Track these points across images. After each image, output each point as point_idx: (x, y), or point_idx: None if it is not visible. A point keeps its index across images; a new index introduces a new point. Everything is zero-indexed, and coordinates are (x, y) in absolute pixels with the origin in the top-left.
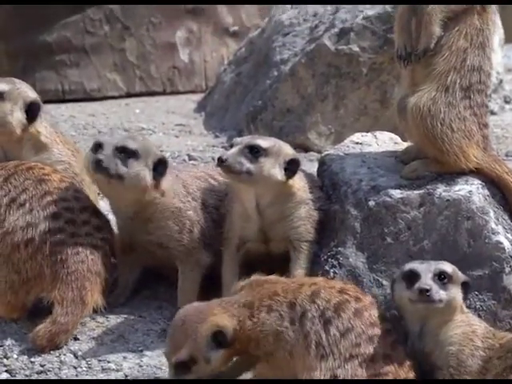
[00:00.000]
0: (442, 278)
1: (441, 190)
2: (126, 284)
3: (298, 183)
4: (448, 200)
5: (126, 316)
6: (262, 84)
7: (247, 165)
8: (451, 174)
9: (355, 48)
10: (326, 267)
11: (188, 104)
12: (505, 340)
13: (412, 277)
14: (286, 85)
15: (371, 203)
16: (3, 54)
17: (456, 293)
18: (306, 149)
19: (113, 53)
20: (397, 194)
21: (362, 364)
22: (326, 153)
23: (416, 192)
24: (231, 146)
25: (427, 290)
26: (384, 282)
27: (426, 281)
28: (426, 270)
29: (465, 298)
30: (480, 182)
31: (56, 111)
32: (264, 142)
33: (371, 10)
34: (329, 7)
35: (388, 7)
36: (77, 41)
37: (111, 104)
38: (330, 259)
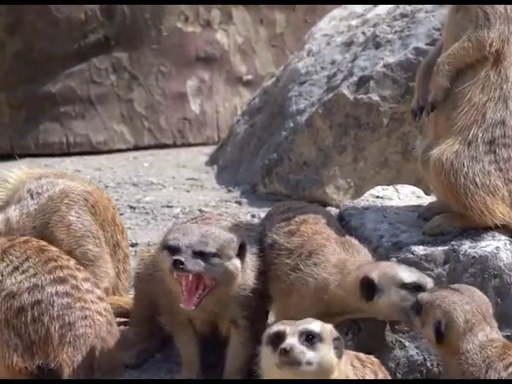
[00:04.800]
0: (309, 337)
1: (466, 246)
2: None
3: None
4: (474, 257)
5: (137, 379)
6: (278, 136)
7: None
8: (477, 230)
9: (375, 97)
10: (345, 328)
11: (199, 157)
12: None
13: (277, 339)
14: (303, 136)
15: (393, 260)
16: (5, 104)
17: (328, 352)
18: (323, 203)
19: (120, 103)
20: (420, 250)
21: None
22: (345, 207)
23: (440, 248)
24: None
25: (288, 350)
26: (407, 344)
27: (289, 340)
28: (291, 330)
29: (339, 356)
30: (507, 237)
31: (60, 165)
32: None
33: (392, 58)
34: (347, 55)
35: (409, 54)
36: (82, 91)
37: (118, 157)
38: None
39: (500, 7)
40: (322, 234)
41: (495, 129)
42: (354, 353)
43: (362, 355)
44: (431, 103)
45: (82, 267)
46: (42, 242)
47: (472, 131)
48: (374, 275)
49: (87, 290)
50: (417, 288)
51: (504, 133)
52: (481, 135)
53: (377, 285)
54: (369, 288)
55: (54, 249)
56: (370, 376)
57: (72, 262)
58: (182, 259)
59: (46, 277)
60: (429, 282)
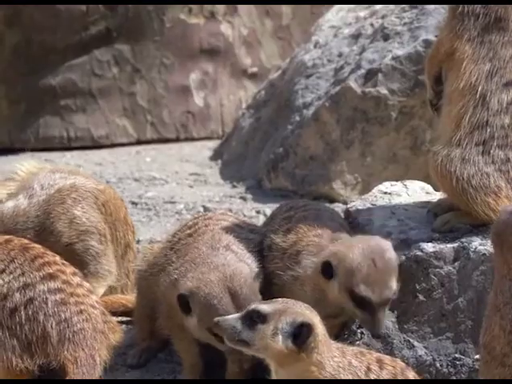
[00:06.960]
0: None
1: (476, 243)
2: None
3: None
4: (484, 254)
5: (137, 379)
6: (284, 130)
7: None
8: (486, 226)
9: (383, 90)
10: (353, 327)
11: (203, 151)
12: None
13: None
14: (309, 130)
15: (401, 258)
16: (3, 98)
17: None
18: (330, 199)
19: (122, 97)
20: (429, 247)
21: None
22: (352, 204)
23: (450, 245)
24: None
25: None
26: (415, 343)
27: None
28: None
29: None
30: None
31: (61, 160)
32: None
33: (400, 50)
34: (355, 47)
35: (419, 46)
36: (83, 84)
37: (120, 152)
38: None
39: (458, 6)
40: (317, 231)
41: (481, 131)
42: (376, 355)
43: (386, 358)
44: (429, 101)
45: (67, 262)
46: (24, 240)
47: (459, 133)
48: (333, 258)
49: (78, 284)
50: None
51: (492, 134)
52: (469, 137)
53: (334, 267)
54: (327, 270)
55: (37, 246)
56: (385, 378)
57: (57, 258)
58: None
59: (35, 274)
60: None
